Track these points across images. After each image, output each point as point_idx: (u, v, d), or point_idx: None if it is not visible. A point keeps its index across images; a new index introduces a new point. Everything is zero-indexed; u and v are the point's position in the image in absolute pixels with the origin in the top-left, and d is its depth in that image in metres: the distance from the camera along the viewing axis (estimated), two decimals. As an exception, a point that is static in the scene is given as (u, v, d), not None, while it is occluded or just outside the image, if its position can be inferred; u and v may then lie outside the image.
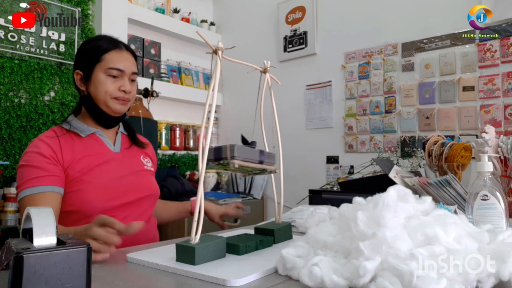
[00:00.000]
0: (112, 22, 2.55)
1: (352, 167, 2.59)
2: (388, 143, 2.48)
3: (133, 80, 1.21)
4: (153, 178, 1.29)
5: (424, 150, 1.26)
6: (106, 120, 1.20)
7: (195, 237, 0.67)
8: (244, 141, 0.82)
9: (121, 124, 1.30)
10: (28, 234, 0.45)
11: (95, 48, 1.17)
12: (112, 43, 1.19)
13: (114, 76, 1.16)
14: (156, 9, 2.99)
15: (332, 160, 2.73)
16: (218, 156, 0.71)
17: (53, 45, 2.33)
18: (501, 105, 2.09)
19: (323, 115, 2.80)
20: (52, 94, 2.32)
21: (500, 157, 1.11)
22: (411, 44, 2.41)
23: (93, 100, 1.16)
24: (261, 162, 0.78)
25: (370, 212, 0.57)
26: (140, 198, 1.19)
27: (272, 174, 0.91)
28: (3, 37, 2.13)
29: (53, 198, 1.05)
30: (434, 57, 2.32)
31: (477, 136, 2.09)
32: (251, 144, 0.79)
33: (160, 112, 2.89)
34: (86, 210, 1.08)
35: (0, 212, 2.02)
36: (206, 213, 1.32)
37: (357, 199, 0.66)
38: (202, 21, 3.39)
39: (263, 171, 0.81)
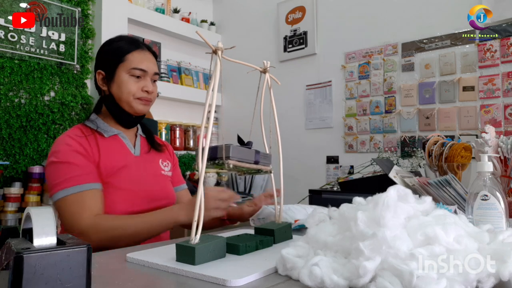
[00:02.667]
0: (112, 22, 2.55)
1: (352, 167, 2.59)
2: (388, 143, 2.48)
3: (154, 81, 1.21)
4: (170, 184, 1.28)
5: (424, 150, 1.26)
6: (127, 120, 1.19)
7: (195, 237, 0.67)
8: (240, 141, 0.82)
9: (139, 126, 1.29)
10: (28, 234, 0.45)
11: (117, 48, 1.17)
12: (134, 44, 1.19)
13: (137, 77, 1.16)
14: (156, 9, 2.99)
15: (332, 160, 2.73)
16: (213, 156, 0.72)
17: (53, 45, 2.33)
18: (501, 105, 2.09)
19: (323, 115, 2.80)
20: (52, 94, 2.32)
21: (500, 157, 1.11)
22: (411, 44, 2.41)
23: (115, 100, 1.16)
24: (256, 163, 0.78)
25: (370, 212, 0.57)
26: (157, 207, 1.16)
27: (272, 174, 0.91)
28: (3, 37, 2.13)
29: (97, 195, 1.04)
30: (434, 57, 2.32)
31: (477, 136, 2.09)
32: (247, 145, 0.79)
33: (160, 112, 2.89)
34: (108, 213, 1.07)
35: (0, 212, 2.02)
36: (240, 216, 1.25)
37: (357, 199, 0.66)
38: (202, 21, 3.39)
39: (258, 171, 0.81)
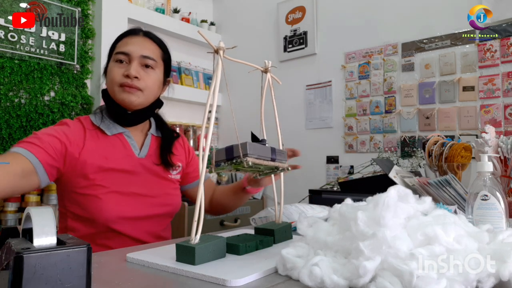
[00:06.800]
0: (112, 22, 2.55)
1: (352, 167, 2.59)
2: (388, 143, 2.48)
3: (147, 66, 1.07)
4: (175, 190, 1.19)
5: (424, 150, 1.26)
6: (121, 117, 1.08)
7: (195, 237, 0.67)
8: (255, 138, 0.80)
9: (153, 125, 1.20)
10: (28, 234, 0.45)
11: (114, 40, 1.11)
12: (129, 31, 1.11)
13: (120, 62, 1.05)
14: (156, 9, 2.99)
15: (332, 160, 2.73)
16: (230, 156, 0.69)
17: (53, 45, 2.33)
18: (501, 105, 2.09)
19: (323, 115, 2.80)
20: (52, 94, 2.32)
21: (500, 157, 1.11)
22: (411, 44, 2.41)
23: (108, 94, 1.09)
24: (273, 160, 0.76)
25: (370, 212, 0.57)
26: (156, 214, 1.10)
27: (272, 175, 0.90)
28: (3, 37, 2.13)
29: (16, 157, 0.89)
30: (434, 57, 2.32)
31: (477, 136, 2.09)
32: (262, 142, 0.77)
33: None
34: (98, 217, 1.00)
35: (0, 212, 2.02)
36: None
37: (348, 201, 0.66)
38: (202, 21, 3.39)
39: (275, 170, 0.79)
